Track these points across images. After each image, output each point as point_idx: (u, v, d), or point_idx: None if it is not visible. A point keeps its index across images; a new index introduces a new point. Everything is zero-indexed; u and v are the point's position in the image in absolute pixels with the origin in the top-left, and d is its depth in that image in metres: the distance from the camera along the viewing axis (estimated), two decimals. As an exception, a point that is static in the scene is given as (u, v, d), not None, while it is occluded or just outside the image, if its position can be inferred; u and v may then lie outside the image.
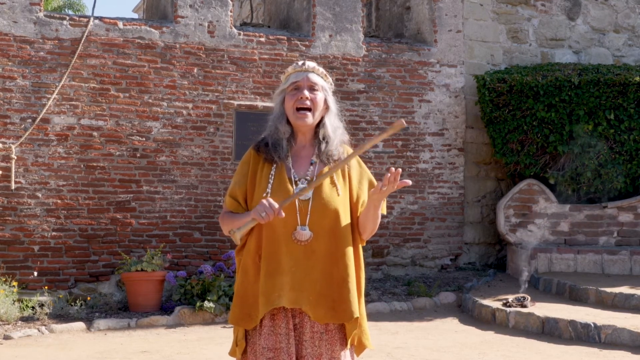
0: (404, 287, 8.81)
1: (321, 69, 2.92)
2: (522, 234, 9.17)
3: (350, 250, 2.80)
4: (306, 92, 2.83)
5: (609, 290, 7.59)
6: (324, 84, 2.90)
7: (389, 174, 2.66)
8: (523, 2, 10.18)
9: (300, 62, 2.90)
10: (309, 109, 2.83)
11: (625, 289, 7.67)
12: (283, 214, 2.67)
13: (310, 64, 2.90)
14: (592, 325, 6.57)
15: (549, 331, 6.89)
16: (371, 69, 9.42)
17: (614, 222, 9.24)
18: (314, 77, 2.87)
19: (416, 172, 9.55)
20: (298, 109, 2.83)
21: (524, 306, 7.42)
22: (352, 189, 2.87)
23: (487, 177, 9.97)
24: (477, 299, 7.90)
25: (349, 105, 9.24)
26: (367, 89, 9.39)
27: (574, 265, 8.80)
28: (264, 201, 2.66)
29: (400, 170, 2.67)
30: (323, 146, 2.85)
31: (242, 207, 2.85)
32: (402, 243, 9.50)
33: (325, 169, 2.83)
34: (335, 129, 2.89)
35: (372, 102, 9.40)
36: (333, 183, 2.82)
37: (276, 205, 2.65)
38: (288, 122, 2.87)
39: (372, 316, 7.58)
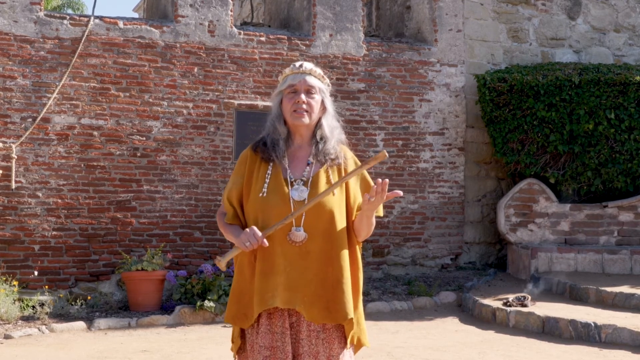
0: (404, 287, 8.81)
1: (318, 71, 2.93)
2: (522, 234, 9.17)
3: (345, 251, 2.81)
4: (303, 97, 2.84)
5: (609, 289, 7.59)
6: (321, 86, 2.91)
7: (376, 186, 2.68)
8: (523, 2, 10.18)
9: (297, 64, 2.92)
10: (306, 111, 2.85)
11: (625, 289, 7.67)
12: (267, 243, 2.71)
13: (308, 65, 2.91)
14: (593, 324, 6.57)
15: (549, 330, 6.89)
16: (371, 68, 9.42)
17: (614, 221, 9.24)
18: (311, 80, 2.88)
19: (416, 172, 9.55)
20: (295, 111, 2.84)
21: (524, 305, 7.42)
22: (349, 189, 2.88)
23: (487, 177, 9.96)
24: (477, 298, 7.90)
25: (349, 105, 9.25)
26: (367, 89, 9.39)
27: (574, 264, 8.79)
28: (248, 230, 2.71)
29: (387, 181, 2.68)
30: (320, 146, 2.86)
31: (237, 211, 2.87)
32: (403, 242, 9.50)
33: (324, 185, 2.84)
34: (333, 129, 2.90)
35: (373, 101, 9.40)
36: (329, 183, 2.83)
37: (259, 234, 2.70)
38: (285, 122, 2.89)
39: (373, 315, 7.58)
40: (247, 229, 2.72)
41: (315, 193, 2.79)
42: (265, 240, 2.71)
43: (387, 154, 2.68)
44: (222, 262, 2.80)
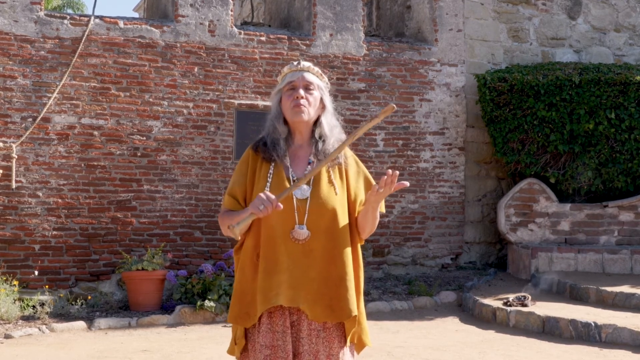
0: (405, 286, 8.81)
1: (316, 68, 2.94)
2: (522, 233, 9.17)
3: (348, 249, 2.81)
4: (301, 92, 2.85)
5: (609, 289, 7.59)
6: (319, 83, 2.92)
7: (386, 177, 2.67)
8: (524, 1, 10.17)
9: (295, 62, 2.93)
10: (305, 106, 2.85)
11: (625, 288, 7.67)
12: (281, 206, 2.65)
13: (306, 63, 2.92)
14: (593, 324, 6.57)
15: (550, 330, 6.89)
16: (372, 68, 9.42)
17: (614, 221, 9.24)
18: (309, 77, 2.89)
19: (417, 171, 9.55)
20: (294, 106, 2.84)
21: (525, 305, 7.42)
22: (349, 187, 2.88)
23: (487, 176, 9.96)
24: (477, 298, 7.90)
25: (350, 104, 9.25)
26: (367, 88, 9.39)
27: (574, 264, 8.79)
28: (262, 194, 2.65)
29: (397, 172, 2.67)
30: (320, 145, 2.87)
31: (241, 205, 2.86)
32: (403, 242, 9.50)
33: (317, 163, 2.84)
34: (332, 127, 2.91)
35: (373, 101, 9.40)
36: (331, 182, 2.84)
37: (273, 197, 2.64)
38: (285, 122, 2.89)
39: (373, 315, 7.58)
40: (261, 194, 2.66)
41: (318, 191, 2.80)
42: (280, 204, 2.65)
43: (394, 106, 2.65)
44: (235, 230, 2.70)
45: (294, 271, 2.75)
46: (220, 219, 2.91)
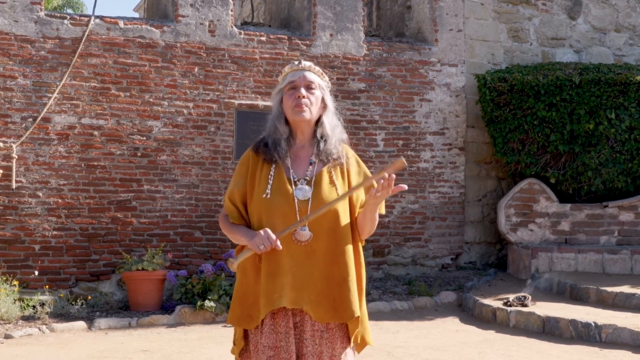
0: (405, 287, 8.81)
1: (317, 68, 2.94)
2: (522, 233, 9.17)
3: (350, 249, 2.81)
4: (303, 91, 2.84)
5: (609, 289, 7.59)
6: (320, 82, 2.91)
7: (382, 180, 2.67)
8: (524, 2, 10.17)
9: (296, 62, 2.93)
10: (306, 106, 2.85)
11: (626, 289, 7.67)
12: (280, 247, 2.70)
13: (307, 63, 2.92)
14: (593, 324, 6.57)
15: (550, 330, 6.89)
16: (372, 68, 9.42)
17: (614, 221, 9.24)
18: (310, 76, 2.88)
19: (417, 172, 9.55)
20: (296, 106, 2.84)
21: (525, 305, 7.42)
22: (351, 187, 2.87)
23: (487, 177, 9.96)
24: (477, 298, 7.90)
25: (350, 105, 9.25)
26: (367, 88, 9.39)
27: (574, 264, 8.79)
28: (262, 232, 2.69)
29: (394, 176, 2.67)
30: (322, 145, 2.86)
31: (241, 211, 2.86)
32: (403, 242, 9.50)
33: (335, 188, 2.84)
34: (334, 127, 2.90)
35: (373, 101, 9.40)
36: (332, 182, 2.84)
37: (274, 237, 2.68)
38: (286, 122, 2.89)
39: (373, 315, 7.58)
40: (261, 231, 2.69)
41: (319, 192, 2.79)
42: (279, 243, 2.69)
43: (405, 163, 2.68)
44: (234, 264, 2.79)
45: (297, 273, 2.75)
46: (220, 222, 2.92)
